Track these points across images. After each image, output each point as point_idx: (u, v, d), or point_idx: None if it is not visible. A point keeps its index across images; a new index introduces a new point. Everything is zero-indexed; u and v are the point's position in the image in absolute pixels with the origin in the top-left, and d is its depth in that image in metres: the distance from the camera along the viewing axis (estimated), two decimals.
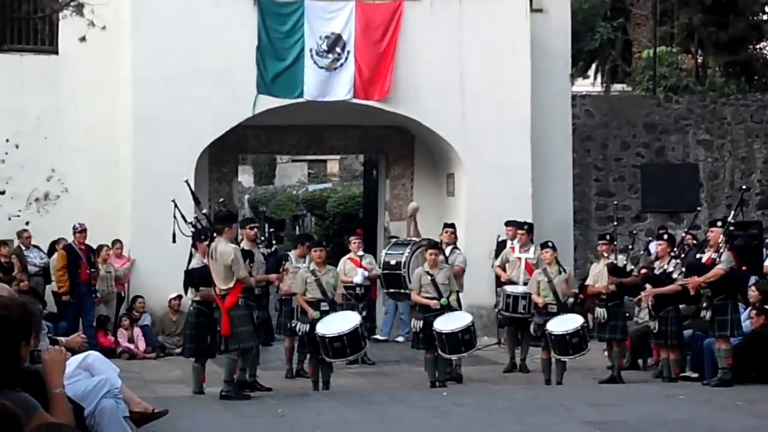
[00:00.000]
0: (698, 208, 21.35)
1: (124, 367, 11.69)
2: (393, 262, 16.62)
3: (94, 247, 17.96)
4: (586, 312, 18.36)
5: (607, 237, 15.30)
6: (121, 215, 18.93)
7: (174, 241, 14.16)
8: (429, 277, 14.51)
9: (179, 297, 17.30)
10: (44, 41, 19.46)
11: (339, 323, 13.77)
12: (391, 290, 17.08)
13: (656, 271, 14.53)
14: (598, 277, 15.00)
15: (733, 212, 15.65)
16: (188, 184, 14.99)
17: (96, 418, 8.40)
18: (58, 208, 19.22)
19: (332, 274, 14.38)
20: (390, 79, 19.08)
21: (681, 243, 16.31)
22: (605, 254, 15.04)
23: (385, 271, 16.73)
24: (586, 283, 15.46)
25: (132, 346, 17.70)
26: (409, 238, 17.96)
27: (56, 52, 19.33)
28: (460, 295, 15.36)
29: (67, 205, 19.01)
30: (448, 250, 15.88)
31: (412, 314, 15.09)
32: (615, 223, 17.99)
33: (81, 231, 17.72)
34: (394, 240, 18.15)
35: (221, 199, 17.61)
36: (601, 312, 14.69)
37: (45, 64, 19.35)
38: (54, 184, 19.37)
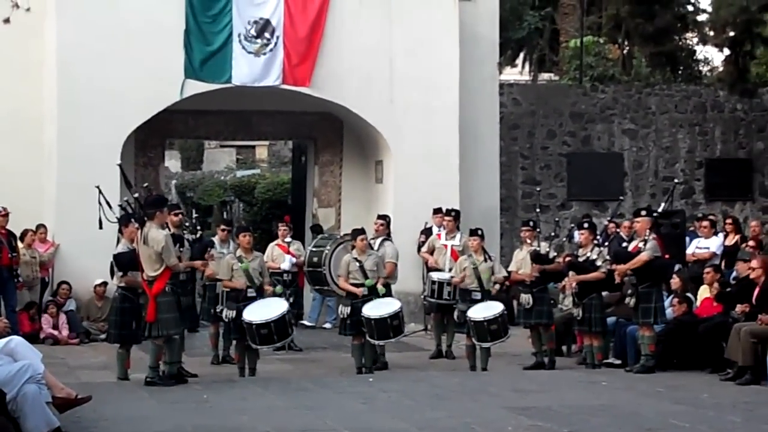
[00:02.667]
0: (621, 197, 21.62)
1: (47, 353, 11.59)
2: (315, 259, 16.60)
3: (17, 231, 17.69)
4: (512, 299, 18.54)
5: (531, 223, 15.39)
6: (45, 199, 18.69)
7: (101, 227, 14.02)
8: (357, 264, 14.54)
9: (104, 283, 17.14)
10: None
11: (266, 310, 13.74)
12: (317, 287, 17.11)
13: (580, 259, 14.66)
14: (521, 263, 15.10)
15: (663, 203, 15.90)
16: (121, 168, 14.83)
17: (18, 404, 8.34)
18: None
19: (259, 261, 14.34)
20: (313, 68, 19.01)
21: (604, 231, 16.50)
22: (528, 240, 15.14)
23: (309, 269, 16.70)
24: (509, 269, 15.57)
25: (56, 332, 17.51)
26: (331, 233, 17.92)
27: None
28: (392, 286, 15.45)
29: None
30: (378, 242, 15.87)
31: (340, 300, 15.12)
32: (538, 210, 18.14)
33: (2, 215, 17.44)
34: (320, 235, 18.00)
35: (146, 184, 17.39)
36: (526, 298, 14.81)
37: None
38: None
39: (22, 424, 8.37)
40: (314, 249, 16.80)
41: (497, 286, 14.94)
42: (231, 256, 14.31)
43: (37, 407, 8.43)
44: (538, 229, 15.37)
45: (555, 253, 15.04)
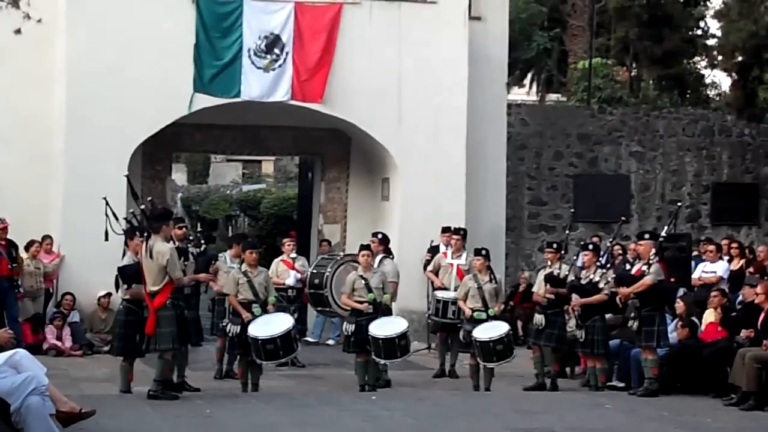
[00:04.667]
0: (623, 218, 21.58)
1: (51, 365, 11.58)
2: (317, 281, 16.58)
3: (23, 242, 17.69)
4: (515, 319, 18.52)
5: (554, 245, 15.26)
6: (52, 211, 18.71)
7: (107, 239, 14.06)
8: (363, 281, 14.53)
9: (108, 294, 17.15)
10: None
11: (272, 325, 13.72)
12: (318, 308, 17.10)
13: (582, 281, 14.65)
14: (542, 284, 15.01)
15: (666, 226, 15.88)
16: (128, 179, 14.83)
17: (22, 415, 8.33)
18: None
19: (264, 276, 14.34)
20: (325, 84, 19.06)
21: (607, 253, 16.47)
22: (551, 263, 15.04)
23: (311, 291, 16.71)
24: (533, 289, 15.51)
25: (59, 343, 17.51)
26: (334, 252, 17.89)
27: None
28: (393, 304, 15.45)
29: None
30: (377, 260, 15.81)
31: (344, 318, 15.09)
32: (567, 231, 17.87)
33: (2, 227, 17.42)
34: (321, 256, 17.94)
35: (149, 198, 17.26)
36: (539, 319, 14.71)
37: None
38: None
39: None
40: (315, 270, 16.77)
41: (501, 306, 14.92)
42: (237, 271, 14.31)
43: (41, 419, 8.42)
44: (562, 252, 15.25)
45: (573, 277, 14.92)
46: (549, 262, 15.08)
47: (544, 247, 15.59)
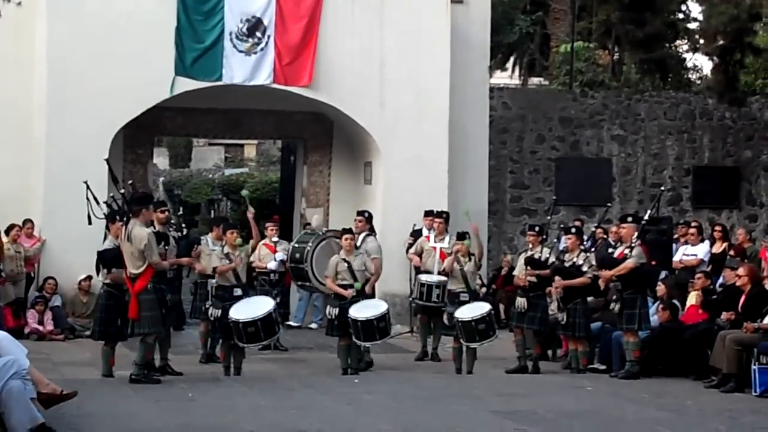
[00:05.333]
0: (608, 204, 21.65)
1: (32, 349, 11.56)
2: (297, 255, 16.60)
3: (4, 226, 17.65)
4: (497, 302, 18.57)
5: (536, 228, 15.23)
6: (33, 195, 18.64)
7: (90, 223, 14.02)
8: (345, 264, 14.56)
9: (89, 278, 17.12)
10: None
11: (253, 308, 13.74)
12: (299, 282, 17.13)
13: (566, 264, 14.68)
14: (523, 267, 15.02)
15: (649, 210, 15.91)
16: (108, 163, 14.79)
17: (3, 399, 8.32)
18: None
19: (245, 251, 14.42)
20: (312, 67, 19.06)
21: (592, 236, 16.51)
22: (532, 245, 15.03)
23: (291, 264, 16.72)
24: (514, 273, 15.55)
25: (41, 327, 17.48)
26: (315, 229, 17.91)
27: None
28: (377, 283, 15.48)
29: None
30: (360, 238, 15.87)
31: (328, 301, 15.12)
32: (549, 217, 17.83)
33: None
34: (304, 230, 18.02)
35: (130, 182, 17.21)
36: (521, 302, 14.72)
37: None
38: None
39: (7, 420, 8.35)
40: (297, 245, 16.85)
41: (483, 290, 14.97)
42: (218, 252, 14.31)
43: (22, 403, 8.41)
44: (544, 235, 15.27)
45: (554, 259, 14.95)
46: (530, 245, 15.09)
47: (526, 230, 15.59)
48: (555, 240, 17.22)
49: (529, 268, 14.67)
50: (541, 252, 14.86)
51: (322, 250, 16.43)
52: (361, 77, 19.46)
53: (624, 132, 24.08)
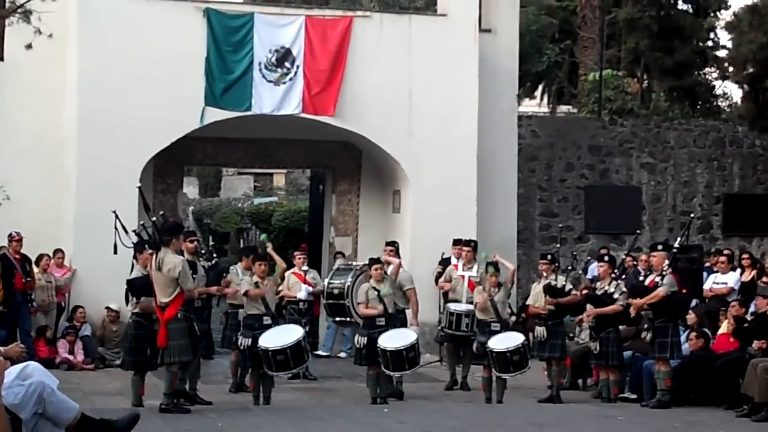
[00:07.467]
0: (638, 231, 21.56)
1: (63, 378, 11.56)
2: (336, 291, 16.48)
3: (36, 255, 17.74)
4: (528, 331, 18.47)
5: (548, 257, 15.32)
6: (64, 224, 18.75)
7: (115, 252, 14.02)
8: (375, 292, 14.53)
9: (116, 310, 17.26)
10: None
11: (282, 336, 13.74)
12: (338, 319, 16.94)
13: (597, 292, 14.65)
14: (538, 296, 15.09)
15: (679, 237, 15.84)
16: (140, 190, 14.82)
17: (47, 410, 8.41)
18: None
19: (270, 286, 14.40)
20: (337, 98, 19.11)
21: (621, 264, 16.46)
22: (545, 274, 15.11)
23: (329, 301, 16.46)
24: (527, 302, 15.56)
25: (71, 357, 17.53)
26: (350, 263, 17.79)
27: (1, 59, 19.11)
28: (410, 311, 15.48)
29: (9, 213, 18.60)
30: (389, 269, 15.80)
31: (356, 330, 15.08)
32: (558, 244, 18.05)
33: (17, 240, 17.45)
34: (336, 266, 17.85)
35: (162, 212, 17.27)
36: (540, 331, 14.75)
37: None
38: None
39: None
40: (333, 281, 16.61)
41: (512, 318, 14.93)
42: (248, 281, 14.32)
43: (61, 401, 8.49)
44: (556, 263, 15.31)
45: (571, 287, 14.99)
46: (544, 274, 15.11)
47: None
48: (579, 270, 17.16)
49: (548, 296, 14.65)
50: (555, 280, 14.85)
51: (360, 284, 16.23)
52: (390, 106, 19.51)
53: (653, 160, 24.02)
